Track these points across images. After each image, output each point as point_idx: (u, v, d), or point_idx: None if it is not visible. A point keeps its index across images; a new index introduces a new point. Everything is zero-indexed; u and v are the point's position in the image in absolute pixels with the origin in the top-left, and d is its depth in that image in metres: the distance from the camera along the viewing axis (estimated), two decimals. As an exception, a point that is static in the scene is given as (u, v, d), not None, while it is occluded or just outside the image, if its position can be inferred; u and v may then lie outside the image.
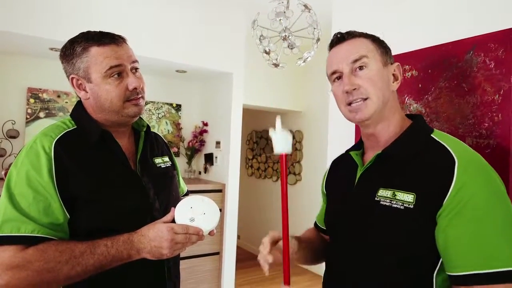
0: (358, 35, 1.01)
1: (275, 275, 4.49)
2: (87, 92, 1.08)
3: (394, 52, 1.48)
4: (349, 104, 0.98)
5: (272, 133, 0.95)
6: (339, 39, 1.02)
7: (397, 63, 1.03)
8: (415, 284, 0.86)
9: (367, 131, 1.03)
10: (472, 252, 0.78)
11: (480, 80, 1.20)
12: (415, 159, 0.91)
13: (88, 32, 1.08)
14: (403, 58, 1.43)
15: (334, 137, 1.81)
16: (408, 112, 1.40)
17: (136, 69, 1.12)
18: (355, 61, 0.96)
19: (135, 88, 1.08)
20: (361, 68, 0.96)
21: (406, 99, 1.42)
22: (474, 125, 1.21)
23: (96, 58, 1.04)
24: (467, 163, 0.83)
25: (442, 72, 1.30)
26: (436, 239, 0.84)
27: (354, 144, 1.14)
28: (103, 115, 1.10)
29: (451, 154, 0.85)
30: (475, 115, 1.21)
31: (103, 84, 1.05)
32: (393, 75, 1.01)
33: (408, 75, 1.41)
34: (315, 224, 1.31)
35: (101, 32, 1.08)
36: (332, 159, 1.25)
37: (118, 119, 1.10)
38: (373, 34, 1.03)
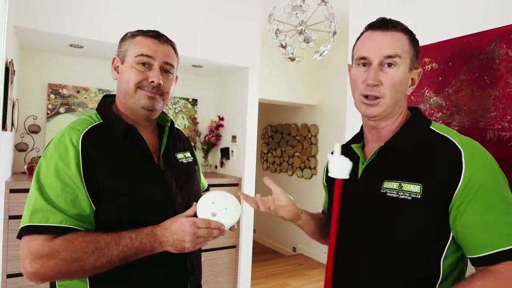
0: (401, 29, 0.97)
1: (290, 269, 4.51)
2: (118, 73, 1.16)
3: (413, 44, 1.47)
4: (365, 96, 0.98)
5: (329, 157, 0.96)
6: (382, 25, 0.97)
7: (420, 70, 1.02)
8: (422, 270, 0.90)
9: (371, 124, 1.04)
10: (491, 232, 0.83)
11: (502, 72, 1.18)
12: (419, 151, 0.93)
13: (147, 30, 1.17)
14: (423, 51, 1.42)
15: (351, 131, 1.81)
16: (428, 105, 1.40)
17: (167, 71, 1.17)
18: (389, 56, 0.94)
19: (152, 82, 1.11)
20: (390, 65, 0.95)
21: (426, 92, 1.40)
22: (496, 118, 1.19)
23: (136, 44, 1.13)
24: (471, 152, 0.88)
25: (463, 65, 1.29)
26: (453, 228, 0.88)
27: (353, 137, 1.15)
28: (122, 98, 1.15)
29: (456, 145, 0.89)
30: (497, 108, 1.19)
31: (129, 67, 1.12)
32: (412, 79, 1.00)
33: (428, 67, 1.40)
34: (323, 211, 1.34)
35: (154, 30, 1.17)
36: None
37: (133, 106, 1.13)
38: (412, 32, 1.00)
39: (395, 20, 0.99)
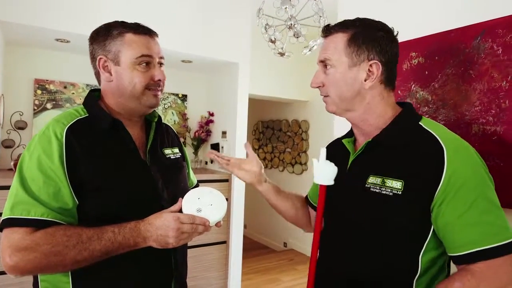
0: (336, 30, 1.02)
1: (281, 264, 4.53)
2: (111, 75, 1.12)
3: (401, 39, 1.46)
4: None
5: (315, 163, 0.96)
6: (322, 32, 1.05)
7: (374, 61, 0.98)
8: (401, 264, 0.92)
9: (348, 120, 1.08)
10: (471, 232, 0.83)
11: (488, 67, 1.19)
12: (404, 147, 0.95)
13: (124, 21, 1.13)
14: (410, 45, 1.42)
15: (340, 127, 1.81)
16: (414, 100, 1.40)
17: (161, 64, 1.17)
18: (321, 61, 1.03)
19: (159, 80, 1.13)
20: (327, 67, 1.02)
21: (413, 86, 1.41)
22: (481, 112, 1.20)
23: (130, 44, 1.09)
24: (455, 150, 0.88)
25: (449, 59, 1.29)
26: (435, 225, 0.89)
27: (347, 132, 1.17)
28: (122, 99, 1.13)
29: (439, 142, 0.90)
30: (482, 102, 1.20)
31: (131, 69, 1.09)
32: (370, 71, 0.99)
33: (415, 62, 1.40)
34: (306, 197, 1.36)
35: (137, 23, 1.14)
36: None
37: (135, 107, 1.13)
38: (362, 25, 1.00)
39: (330, 26, 1.04)
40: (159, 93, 1.15)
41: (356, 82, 0.99)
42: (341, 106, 1.03)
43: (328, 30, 1.03)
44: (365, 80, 0.99)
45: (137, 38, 1.10)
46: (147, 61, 1.11)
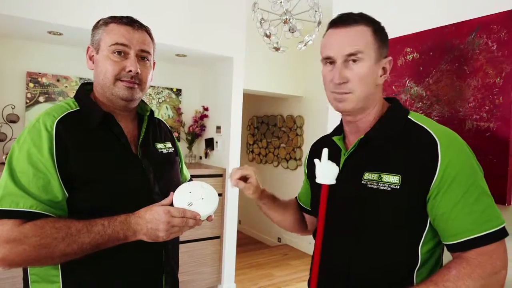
0: (360, 21, 0.97)
1: (275, 259, 4.54)
2: (93, 63, 1.14)
3: (396, 34, 1.46)
4: (336, 93, 1.00)
5: (317, 163, 0.95)
6: (342, 21, 0.98)
7: (389, 58, 1.01)
8: (402, 257, 0.93)
9: (347, 119, 1.06)
10: (464, 221, 0.86)
11: (482, 63, 1.19)
12: (397, 142, 0.95)
13: (116, 15, 1.14)
14: (405, 41, 1.41)
15: (334, 122, 1.80)
16: (408, 95, 1.40)
17: (144, 58, 1.14)
18: (351, 54, 0.95)
19: (130, 71, 1.09)
20: (354, 61, 0.96)
21: (407, 82, 1.40)
22: (474, 108, 1.20)
23: (108, 32, 1.10)
24: (447, 143, 0.89)
25: (444, 55, 1.29)
26: (430, 216, 0.91)
27: (335, 129, 1.16)
28: (101, 89, 1.12)
29: (432, 135, 0.91)
30: (476, 98, 1.20)
31: (105, 57, 1.09)
32: (383, 68, 1.00)
33: (409, 57, 1.40)
34: (297, 201, 1.35)
35: (127, 16, 1.14)
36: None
37: (110, 97, 1.12)
38: (376, 21, 1.01)
39: (355, 13, 0.98)
40: (136, 86, 1.12)
41: (377, 76, 0.99)
42: (360, 104, 0.98)
43: (352, 20, 0.96)
44: (380, 76, 0.99)
45: (117, 27, 1.10)
46: (121, 50, 1.09)
